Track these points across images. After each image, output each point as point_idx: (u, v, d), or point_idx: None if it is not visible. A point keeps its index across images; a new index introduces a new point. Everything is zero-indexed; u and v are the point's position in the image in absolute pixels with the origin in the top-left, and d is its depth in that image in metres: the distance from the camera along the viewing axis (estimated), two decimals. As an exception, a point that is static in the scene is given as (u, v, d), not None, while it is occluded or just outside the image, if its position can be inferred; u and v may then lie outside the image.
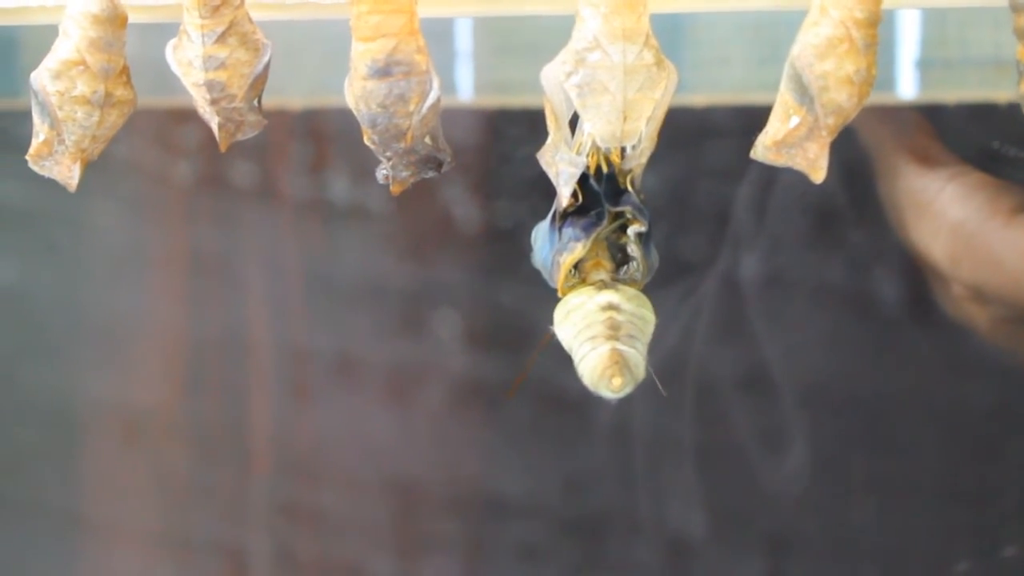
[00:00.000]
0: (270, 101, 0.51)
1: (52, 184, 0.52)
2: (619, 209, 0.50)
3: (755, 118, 0.77)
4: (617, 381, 0.49)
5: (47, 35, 0.50)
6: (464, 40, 0.83)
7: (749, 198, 0.83)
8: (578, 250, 0.50)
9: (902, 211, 0.65)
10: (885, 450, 0.86)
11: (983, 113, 0.80)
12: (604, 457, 0.87)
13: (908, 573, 0.88)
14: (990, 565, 0.86)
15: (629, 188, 0.50)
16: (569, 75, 0.47)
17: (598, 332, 0.50)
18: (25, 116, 0.52)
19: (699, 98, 0.81)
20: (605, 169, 0.50)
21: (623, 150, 0.49)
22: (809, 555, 0.88)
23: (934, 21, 0.80)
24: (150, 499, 0.92)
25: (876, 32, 0.47)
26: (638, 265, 0.51)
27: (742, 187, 0.83)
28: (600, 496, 0.88)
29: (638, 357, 0.50)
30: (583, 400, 0.54)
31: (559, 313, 0.51)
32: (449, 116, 0.50)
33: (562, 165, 0.49)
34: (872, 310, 0.84)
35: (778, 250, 0.84)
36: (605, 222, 0.51)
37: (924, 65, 0.81)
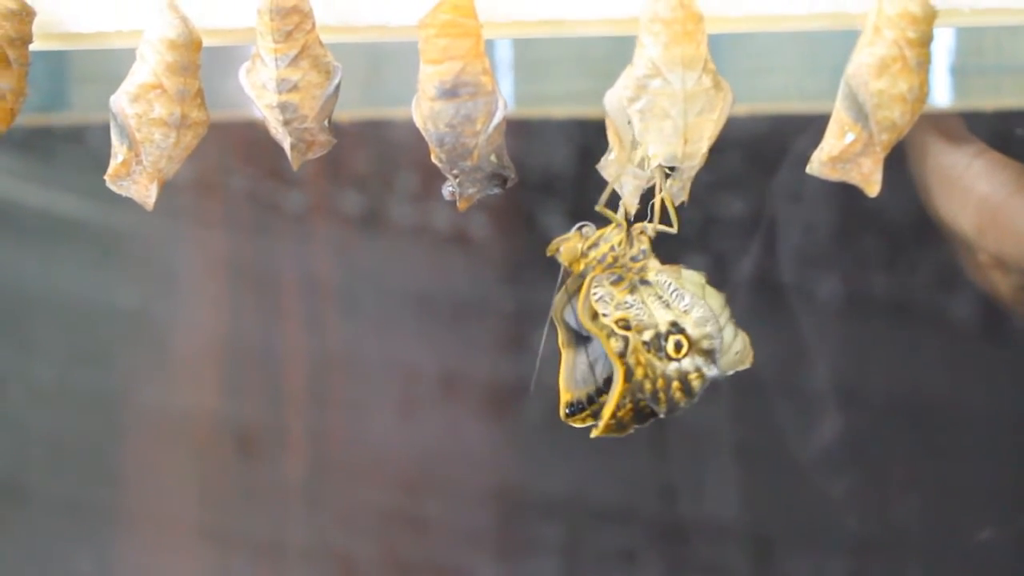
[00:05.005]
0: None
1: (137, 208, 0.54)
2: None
3: (795, 127, 0.78)
4: None
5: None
6: (504, 51, 0.84)
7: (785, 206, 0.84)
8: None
9: (931, 186, 0.67)
10: (966, 462, 0.88)
11: (1020, 119, 0.81)
12: (694, 465, 0.88)
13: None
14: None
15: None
16: (632, 101, 0.48)
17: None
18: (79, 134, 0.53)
19: (739, 108, 0.82)
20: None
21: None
22: (886, 556, 0.89)
23: (970, 29, 0.80)
24: (272, 509, 0.94)
25: (928, 51, 0.48)
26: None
27: (778, 196, 0.84)
28: (691, 502, 0.89)
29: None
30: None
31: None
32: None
33: (626, 178, 0.51)
34: (925, 320, 0.85)
35: (817, 257, 0.85)
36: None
37: (960, 73, 0.81)
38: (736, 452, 0.87)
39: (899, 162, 0.57)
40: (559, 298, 0.55)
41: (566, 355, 0.54)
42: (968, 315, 0.84)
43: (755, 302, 0.84)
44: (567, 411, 0.54)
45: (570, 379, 0.54)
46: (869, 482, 0.88)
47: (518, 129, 0.65)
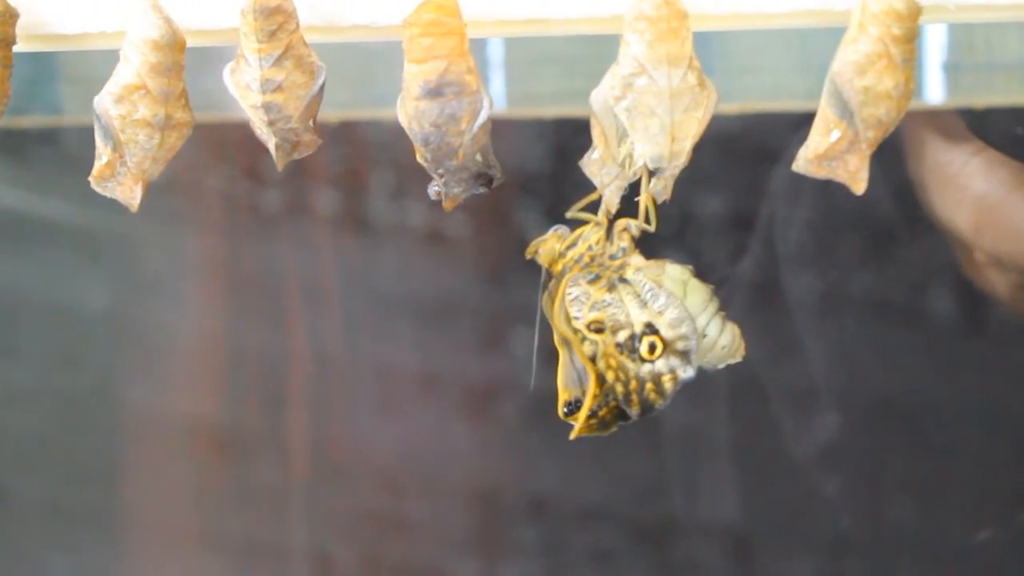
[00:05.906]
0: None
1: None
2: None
3: (782, 125, 0.78)
4: None
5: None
6: (496, 51, 0.84)
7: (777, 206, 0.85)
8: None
9: (928, 184, 0.67)
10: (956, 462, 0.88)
11: (1012, 117, 0.81)
12: (679, 464, 0.88)
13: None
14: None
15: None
16: (618, 100, 0.48)
17: None
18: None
19: (729, 107, 0.82)
20: None
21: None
22: (878, 556, 0.89)
23: (961, 27, 0.80)
24: (258, 512, 0.94)
25: (914, 47, 0.48)
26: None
27: (767, 197, 0.85)
28: (669, 502, 0.89)
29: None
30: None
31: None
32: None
33: (609, 177, 0.51)
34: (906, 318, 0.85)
35: (806, 255, 0.85)
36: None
37: (952, 70, 0.81)
38: (724, 451, 0.87)
39: (886, 159, 0.57)
40: (545, 300, 0.55)
41: (563, 354, 0.54)
42: (960, 313, 0.84)
43: (745, 300, 0.84)
44: (565, 410, 0.54)
45: (568, 378, 0.54)
46: (861, 481, 0.88)
47: (505, 129, 0.65)
